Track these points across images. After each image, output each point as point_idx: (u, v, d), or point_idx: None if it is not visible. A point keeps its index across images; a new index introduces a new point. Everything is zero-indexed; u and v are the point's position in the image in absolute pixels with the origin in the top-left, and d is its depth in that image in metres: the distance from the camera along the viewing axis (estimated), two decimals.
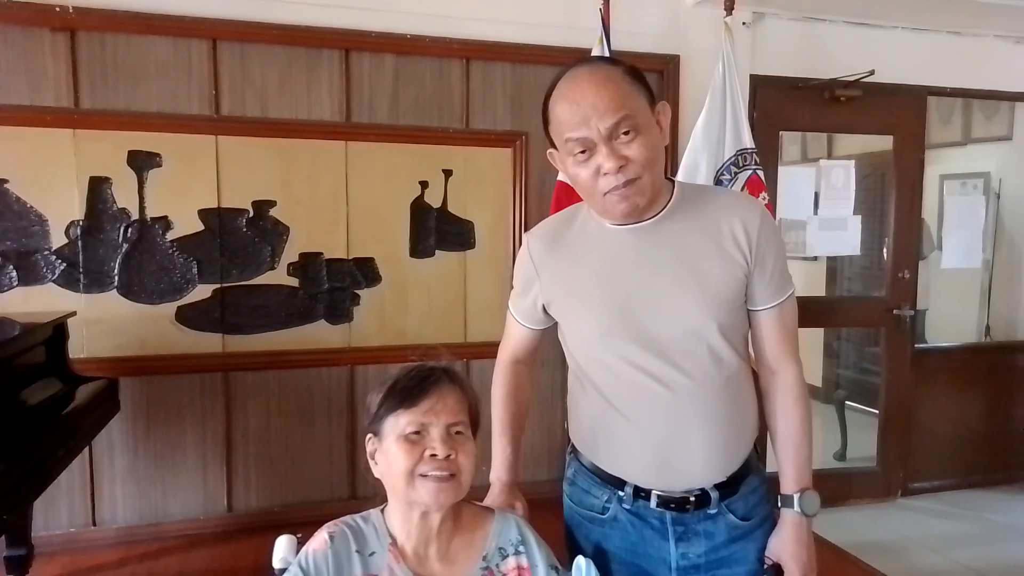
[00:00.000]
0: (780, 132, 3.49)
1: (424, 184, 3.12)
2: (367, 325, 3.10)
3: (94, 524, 2.86)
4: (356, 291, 3.08)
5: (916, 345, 3.75)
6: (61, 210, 2.75)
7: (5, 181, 2.69)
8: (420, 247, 3.14)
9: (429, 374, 1.18)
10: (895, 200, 3.64)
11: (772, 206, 3.03)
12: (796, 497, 1.29)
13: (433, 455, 1.11)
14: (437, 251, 3.17)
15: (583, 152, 1.20)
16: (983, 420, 3.85)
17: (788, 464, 1.31)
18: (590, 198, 1.27)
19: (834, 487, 3.55)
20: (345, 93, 3.01)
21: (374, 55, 3.04)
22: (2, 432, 2.02)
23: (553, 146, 1.29)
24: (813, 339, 4.47)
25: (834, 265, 4.37)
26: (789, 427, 1.31)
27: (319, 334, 3.04)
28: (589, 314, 1.30)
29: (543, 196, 3.13)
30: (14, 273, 2.71)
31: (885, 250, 3.71)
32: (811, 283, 4.32)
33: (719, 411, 1.26)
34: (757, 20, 3.37)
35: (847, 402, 4.23)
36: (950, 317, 4.33)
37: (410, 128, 3.09)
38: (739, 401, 1.29)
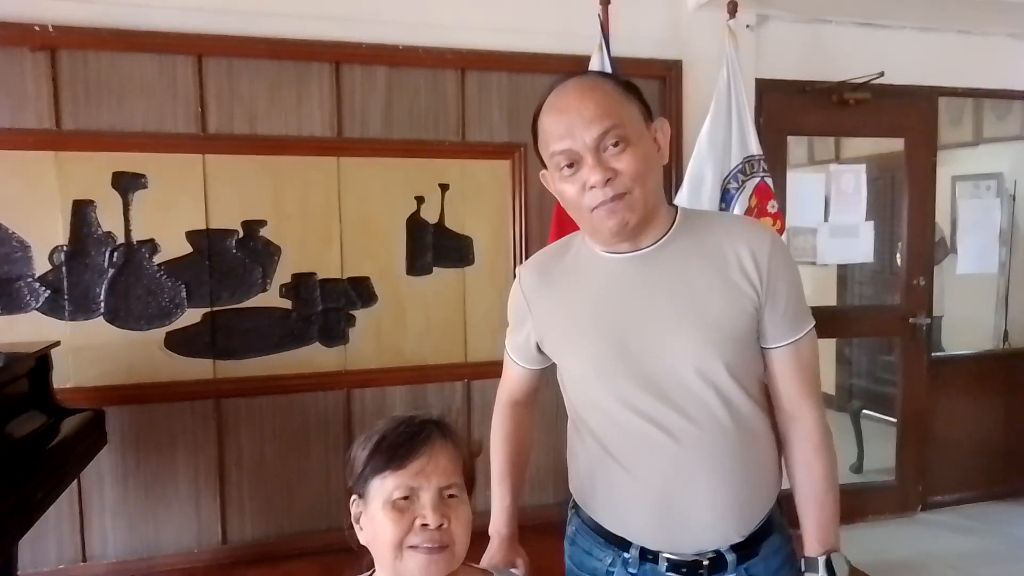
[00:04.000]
0: (787, 137, 3.37)
1: (420, 199, 3.02)
2: (363, 346, 2.99)
3: (84, 559, 2.76)
4: (351, 312, 2.97)
5: (933, 354, 3.62)
6: (44, 235, 2.65)
7: None
8: (417, 264, 3.04)
9: (420, 430, 1.07)
10: (907, 204, 3.52)
11: (781, 214, 2.92)
12: (822, 561, 1.16)
13: (424, 525, 1.00)
14: (435, 268, 3.06)
15: (570, 166, 1.10)
16: (1003, 430, 3.72)
17: (811, 523, 1.18)
18: (578, 216, 1.16)
19: (851, 503, 3.43)
20: (336, 107, 2.91)
21: (365, 67, 2.94)
22: None
23: (544, 165, 1.19)
24: (826, 348, 4.35)
25: (845, 272, 4.25)
26: (811, 481, 1.19)
27: (314, 357, 2.94)
28: (583, 351, 1.19)
29: (543, 209, 3.03)
30: None
31: (898, 256, 3.59)
32: (821, 291, 4.20)
33: (731, 462, 1.13)
34: (761, 23, 3.26)
35: (863, 411, 4.12)
36: (967, 324, 4.19)
37: (404, 141, 2.99)
38: (755, 451, 1.17)
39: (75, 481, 2.64)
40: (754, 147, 2.89)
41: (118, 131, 2.70)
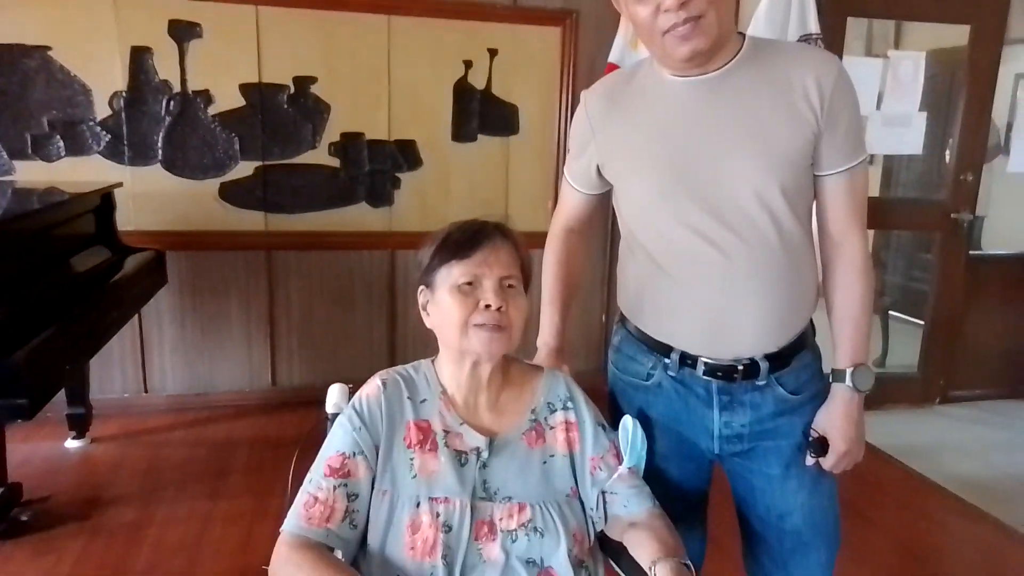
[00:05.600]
0: (847, 18, 3.26)
1: (468, 64, 3.01)
2: (408, 209, 3.07)
3: (146, 391, 2.98)
4: (397, 174, 3.04)
5: (971, 252, 3.61)
6: (105, 80, 2.72)
7: (48, 48, 2.65)
8: (463, 131, 3.07)
9: (482, 228, 1.16)
10: (964, 97, 3.41)
11: None
12: (849, 372, 1.25)
13: (487, 306, 1.09)
14: (480, 135, 3.09)
15: None
16: None
17: (844, 338, 1.26)
18: (649, 40, 1.18)
19: (871, 390, 3.52)
20: None
21: None
22: (53, 295, 2.08)
23: None
24: None
25: (891, 166, 4.18)
26: (849, 301, 1.26)
27: (360, 216, 3.03)
28: (644, 172, 1.23)
29: (593, 81, 2.99)
30: (61, 143, 2.72)
31: (948, 151, 3.52)
32: None
33: (775, 279, 1.20)
34: None
35: (891, 311, 4.15)
36: (1009, 225, 4.14)
37: (455, 2, 2.95)
38: (798, 271, 1.23)
39: (137, 319, 2.82)
40: (813, 25, 2.82)
41: None
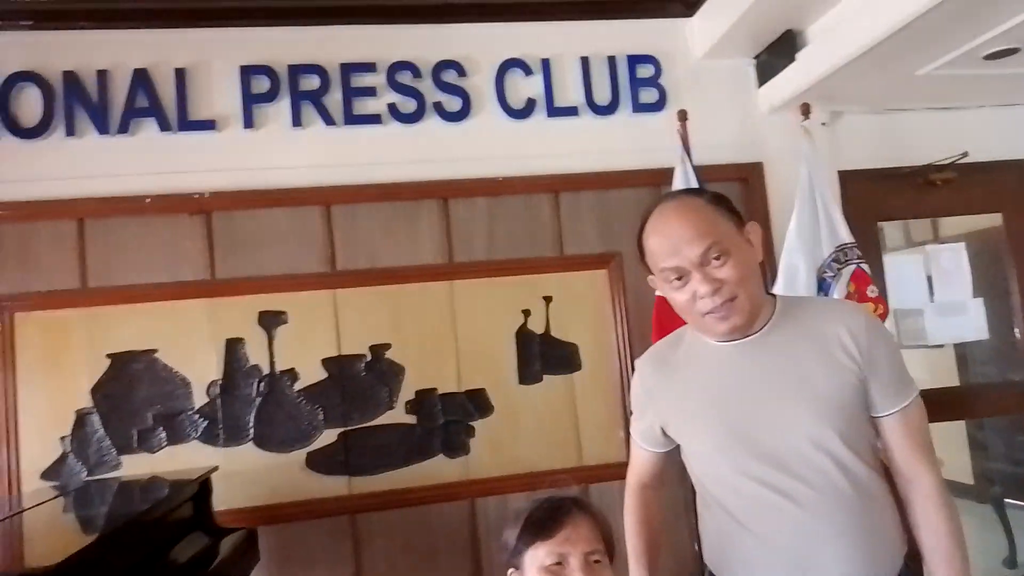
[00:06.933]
0: (877, 223, 3.43)
1: (527, 312, 3.24)
2: (483, 456, 3.14)
3: None
4: (470, 423, 3.15)
5: None
6: (202, 372, 3.01)
7: (155, 351, 2.99)
8: (527, 373, 3.22)
9: (560, 504, 1.22)
10: (1016, 279, 3.45)
11: (883, 298, 2.94)
12: None
13: None
14: (544, 375, 3.23)
15: (679, 279, 1.27)
16: None
17: None
18: (690, 319, 1.31)
19: None
20: (446, 236, 3.22)
21: (469, 199, 3.26)
22: None
23: (650, 272, 1.36)
24: (955, 433, 4.16)
25: (963, 351, 4.11)
26: (936, 537, 1.24)
27: (437, 469, 3.11)
28: (702, 433, 1.31)
29: (643, 312, 3.17)
30: (163, 434, 2.95)
31: (1017, 330, 3.48)
32: (941, 373, 4.06)
33: (853, 523, 1.21)
34: (835, 119, 3.42)
35: (1006, 499, 3.85)
36: None
37: (507, 261, 3.24)
38: (873, 511, 1.24)
39: None
40: (845, 236, 2.97)
41: (262, 276, 3.08)
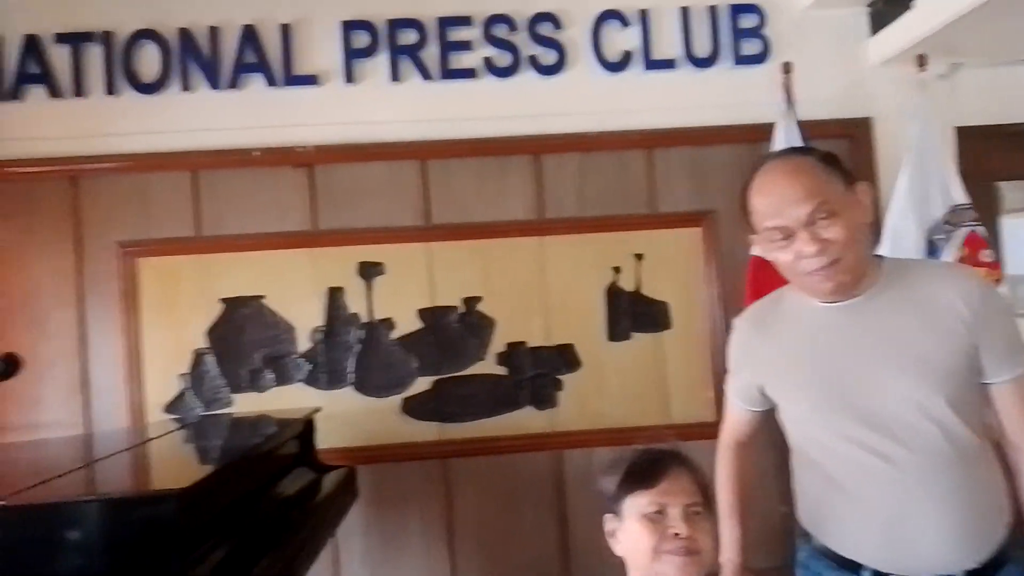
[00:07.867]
0: (995, 183, 3.23)
1: (617, 269, 3.24)
2: (570, 409, 3.20)
3: None
4: (558, 376, 3.21)
5: None
6: (305, 318, 3.17)
7: (262, 297, 3.16)
8: (616, 330, 3.23)
9: (660, 456, 1.25)
10: None
11: (998, 263, 2.79)
12: None
13: (676, 534, 1.15)
14: (633, 333, 3.24)
15: (784, 239, 1.24)
16: None
17: None
18: (794, 279, 1.30)
19: None
20: (537, 192, 3.24)
21: (560, 155, 3.25)
22: (267, 523, 2.31)
23: (753, 231, 1.34)
24: None
25: None
26: None
27: (525, 420, 3.19)
28: (801, 393, 1.31)
29: (736, 271, 3.11)
30: (271, 375, 3.15)
31: None
32: None
33: (956, 489, 1.19)
34: (954, 71, 3.20)
35: None
36: None
37: (599, 218, 3.24)
38: (977, 477, 1.22)
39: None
40: (959, 196, 2.83)
41: (360, 228, 3.19)
